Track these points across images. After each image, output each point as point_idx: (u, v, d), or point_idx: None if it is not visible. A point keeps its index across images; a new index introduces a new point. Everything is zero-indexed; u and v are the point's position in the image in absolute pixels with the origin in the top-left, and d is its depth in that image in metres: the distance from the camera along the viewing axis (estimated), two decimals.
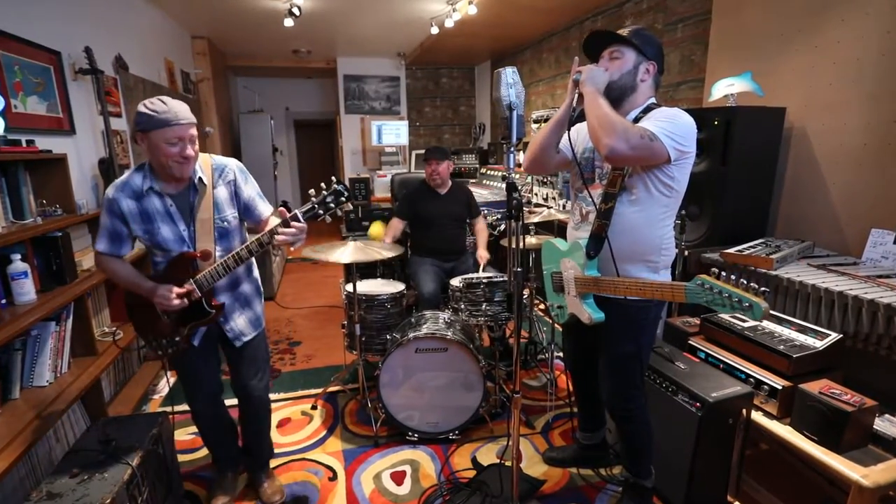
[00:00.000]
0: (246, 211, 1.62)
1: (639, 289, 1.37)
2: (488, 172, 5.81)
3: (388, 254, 2.30)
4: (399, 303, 2.60)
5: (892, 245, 2.09)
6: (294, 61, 6.34)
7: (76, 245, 2.18)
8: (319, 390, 2.65)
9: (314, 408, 2.51)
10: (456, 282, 2.51)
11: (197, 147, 1.47)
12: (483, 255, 2.93)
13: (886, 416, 1.60)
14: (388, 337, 2.49)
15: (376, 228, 2.69)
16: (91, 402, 2.09)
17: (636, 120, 1.46)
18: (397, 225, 2.97)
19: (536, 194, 4.18)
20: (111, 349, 2.18)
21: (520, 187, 4.77)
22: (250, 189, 1.62)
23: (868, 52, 2.14)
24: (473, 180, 5.80)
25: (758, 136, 2.42)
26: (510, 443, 1.60)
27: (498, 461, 2.04)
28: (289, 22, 4.10)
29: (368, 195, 4.06)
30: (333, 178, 1.40)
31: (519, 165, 2.56)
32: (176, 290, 1.48)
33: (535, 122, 4.06)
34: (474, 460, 2.08)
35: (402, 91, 6.87)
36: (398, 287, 2.65)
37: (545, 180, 4.07)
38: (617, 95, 1.45)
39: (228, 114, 6.48)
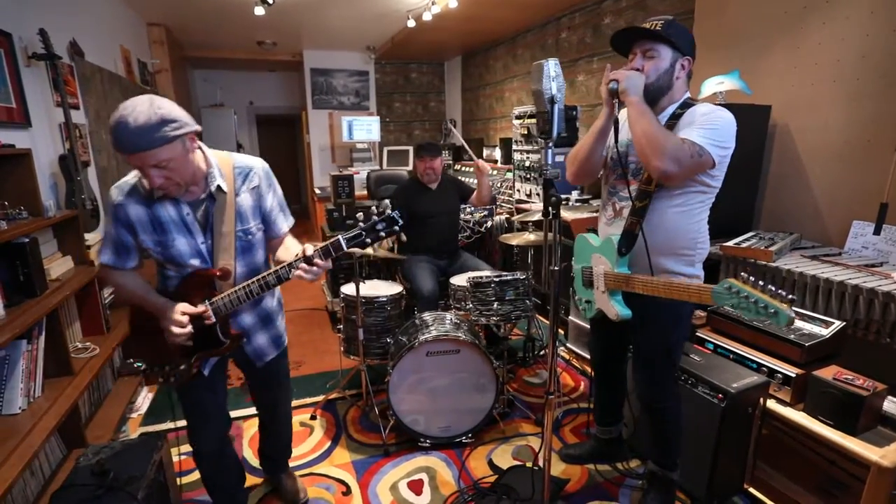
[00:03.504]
0: (264, 223, 1.43)
1: (667, 289, 1.37)
2: (463, 169, 5.77)
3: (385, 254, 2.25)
4: (398, 304, 2.52)
5: (872, 236, 2.23)
6: (258, 53, 6.02)
7: (43, 251, 1.94)
8: (317, 399, 2.52)
9: (313, 418, 2.38)
10: (460, 280, 2.45)
11: (174, 170, 1.18)
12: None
13: (890, 397, 1.69)
14: (388, 340, 2.41)
15: None
16: (67, 427, 1.87)
17: (675, 116, 1.46)
18: None
19: (519, 190, 4.19)
20: (88, 367, 1.96)
21: (500, 184, 4.78)
22: (272, 199, 1.43)
23: (848, 54, 2.26)
24: None
25: (746, 133, 2.49)
26: (543, 445, 1.57)
27: (518, 463, 2.01)
28: (259, 10, 3.87)
29: (352, 193, 3.92)
30: (388, 201, 1.26)
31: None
32: (190, 309, 1.29)
33: (518, 118, 4.05)
34: (491, 463, 2.04)
35: (371, 86, 6.70)
36: (397, 288, 2.56)
37: (528, 176, 4.08)
38: (653, 97, 1.44)
39: (188, 108, 6.06)
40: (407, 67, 6.98)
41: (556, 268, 1.42)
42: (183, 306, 1.29)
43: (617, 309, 1.52)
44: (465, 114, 6.78)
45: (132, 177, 1.30)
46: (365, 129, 6.10)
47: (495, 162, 5.30)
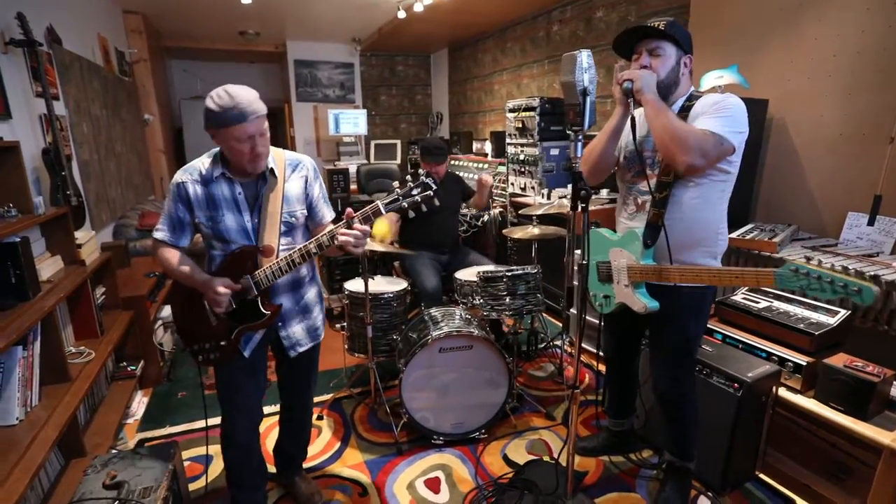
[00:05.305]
0: (309, 211, 1.53)
1: (712, 276, 1.37)
2: (452, 162, 5.73)
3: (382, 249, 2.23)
4: (403, 301, 2.48)
5: (867, 227, 2.30)
6: (240, 44, 5.82)
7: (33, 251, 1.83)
8: (323, 398, 2.46)
9: (320, 418, 2.32)
10: (467, 275, 2.42)
11: (267, 139, 1.36)
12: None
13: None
14: (394, 337, 2.37)
15: (381, 226, 2.53)
16: (65, 436, 1.76)
17: (685, 108, 1.46)
18: (393, 220, 2.82)
19: (513, 184, 4.18)
20: (84, 372, 1.86)
21: (493, 178, 4.76)
22: (318, 189, 1.54)
23: (844, 49, 2.32)
24: None
25: None
26: (568, 439, 1.57)
27: (535, 458, 2.01)
28: None
29: (348, 187, 3.84)
30: (421, 170, 1.32)
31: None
32: (231, 284, 1.36)
33: (512, 111, 4.02)
34: (506, 458, 2.03)
35: (356, 78, 6.57)
36: (402, 284, 2.52)
37: (522, 170, 4.07)
38: (663, 94, 1.44)
39: (168, 100, 5.83)
40: (392, 60, 6.88)
41: (585, 261, 1.41)
42: (224, 281, 1.37)
43: (644, 301, 1.51)
44: (452, 107, 6.73)
45: (195, 161, 1.44)
46: (352, 122, 5.99)
47: (486, 155, 5.28)
